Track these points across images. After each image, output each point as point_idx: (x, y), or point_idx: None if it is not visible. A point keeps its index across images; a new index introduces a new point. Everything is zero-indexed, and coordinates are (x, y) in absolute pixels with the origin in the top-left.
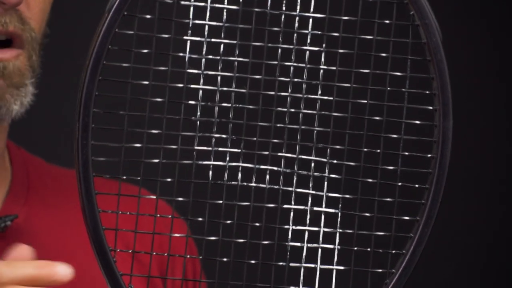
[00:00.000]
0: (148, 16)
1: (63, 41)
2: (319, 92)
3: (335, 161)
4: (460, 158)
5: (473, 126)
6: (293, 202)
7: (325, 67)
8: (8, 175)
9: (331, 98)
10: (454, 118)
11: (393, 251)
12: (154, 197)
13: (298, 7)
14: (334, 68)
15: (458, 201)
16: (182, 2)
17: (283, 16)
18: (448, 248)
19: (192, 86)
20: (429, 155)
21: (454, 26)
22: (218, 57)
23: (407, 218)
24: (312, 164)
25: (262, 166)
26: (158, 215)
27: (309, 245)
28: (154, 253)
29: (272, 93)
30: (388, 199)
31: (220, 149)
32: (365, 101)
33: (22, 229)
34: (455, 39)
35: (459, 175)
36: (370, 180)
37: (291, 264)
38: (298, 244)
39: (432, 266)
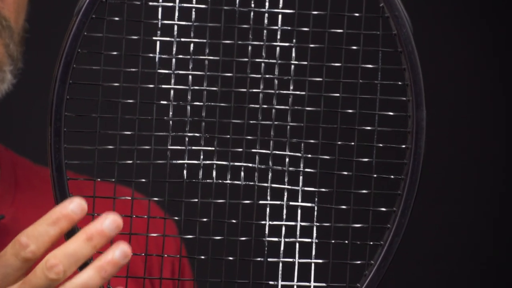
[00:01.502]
0: (117, 18)
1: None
2: (291, 87)
3: (309, 156)
4: (457, 157)
5: (472, 126)
6: (269, 198)
7: (296, 62)
8: None
9: (303, 92)
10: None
11: (371, 243)
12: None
13: (267, 4)
14: (306, 63)
15: (457, 202)
16: (150, 3)
17: (252, 13)
18: (448, 248)
19: (164, 86)
20: (403, 146)
21: (453, 24)
22: (189, 57)
23: (384, 209)
24: (287, 159)
25: (236, 163)
26: (134, 216)
27: (286, 239)
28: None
29: (244, 90)
30: (364, 191)
31: (193, 147)
32: (338, 95)
33: (8, 229)
34: (453, 37)
35: (458, 175)
36: (346, 173)
37: (269, 260)
38: (276, 239)
39: (432, 267)
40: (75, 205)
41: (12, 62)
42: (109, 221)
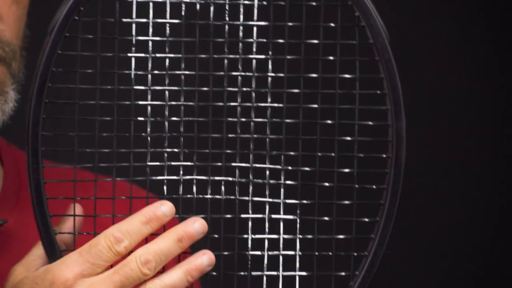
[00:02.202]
0: (91, 36)
1: None
2: (269, 100)
3: (290, 168)
4: (457, 160)
5: (472, 127)
6: (250, 211)
7: (273, 74)
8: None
9: (282, 105)
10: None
11: (355, 254)
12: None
13: (242, 16)
14: (283, 74)
15: (457, 202)
16: (124, 20)
17: (226, 26)
18: (446, 250)
19: (140, 102)
20: (384, 155)
21: (454, 26)
22: (164, 72)
23: (367, 219)
24: (267, 172)
25: (216, 178)
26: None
27: (269, 253)
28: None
29: (221, 104)
30: (347, 202)
31: (173, 163)
32: (316, 106)
33: (12, 233)
34: (451, 41)
35: (457, 175)
36: (327, 184)
37: (253, 273)
38: (259, 252)
39: (431, 267)
40: (166, 208)
41: (14, 80)
42: (198, 225)
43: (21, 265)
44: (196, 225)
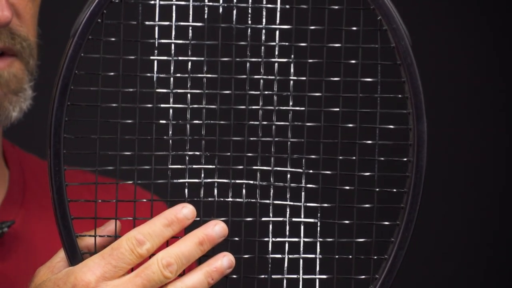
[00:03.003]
0: (113, 39)
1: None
2: (291, 103)
3: (311, 171)
4: (459, 159)
5: (473, 127)
6: (271, 215)
7: (295, 77)
8: (4, 175)
9: (303, 108)
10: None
11: (375, 257)
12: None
13: (264, 20)
14: (304, 78)
15: (456, 201)
16: (147, 23)
17: (249, 30)
18: (448, 248)
19: (162, 105)
20: (405, 159)
21: (455, 25)
22: (187, 75)
23: (387, 223)
24: (288, 175)
25: (237, 181)
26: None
27: (290, 256)
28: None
29: (243, 107)
30: (367, 205)
31: (194, 166)
32: (338, 109)
33: (19, 234)
34: (453, 38)
35: (458, 175)
36: (348, 188)
37: (274, 276)
38: (279, 256)
39: (432, 267)
40: (188, 211)
41: (31, 77)
42: (219, 228)
43: (45, 267)
44: (216, 228)
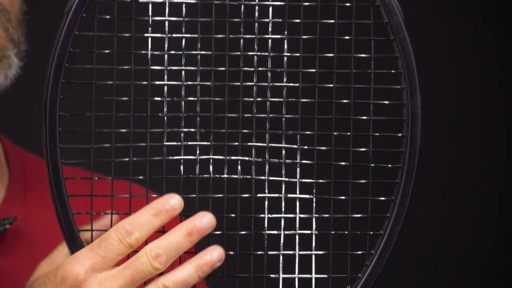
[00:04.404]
0: (108, 16)
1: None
2: (285, 80)
3: (306, 147)
4: (458, 157)
5: (473, 126)
6: (267, 191)
7: (288, 54)
8: (5, 173)
9: (297, 84)
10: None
11: (371, 232)
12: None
13: None
14: (298, 54)
15: (457, 202)
16: (141, 0)
17: (242, 7)
18: (447, 248)
19: (157, 82)
20: (399, 134)
21: (455, 25)
22: (181, 52)
23: (382, 198)
24: (283, 152)
25: (233, 157)
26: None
27: (286, 232)
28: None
29: (238, 83)
30: (362, 181)
31: (189, 143)
32: (332, 85)
33: (20, 231)
34: (453, 35)
35: (458, 174)
36: (343, 163)
37: (270, 253)
38: (275, 232)
39: (431, 267)
40: (175, 201)
41: (14, 45)
42: (207, 220)
43: (45, 261)
44: (204, 220)
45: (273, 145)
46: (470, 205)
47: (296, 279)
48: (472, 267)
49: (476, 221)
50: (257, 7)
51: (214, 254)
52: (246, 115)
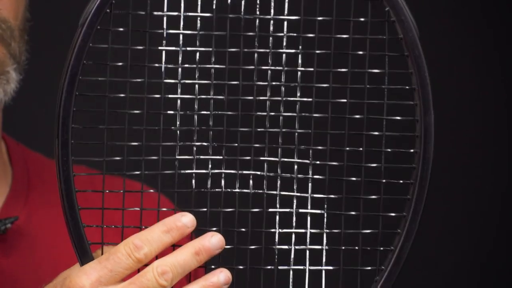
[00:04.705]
0: (122, 29)
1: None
2: (298, 94)
3: (318, 162)
4: (458, 157)
5: (473, 127)
6: (278, 206)
7: (302, 68)
8: (8, 172)
9: (311, 99)
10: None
11: (382, 248)
12: (152, 191)
13: (272, 11)
14: (312, 69)
15: (457, 201)
16: (155, 13)
17: (257, 21)
18: (448, 248)
19: (170, 96)
20: (412, 150)
21: (453, 25)
22: (195, 65)
23: (393, 214)
24: (295, 167)
25: (245, 172)
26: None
27: (296, 247)
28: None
29: (251, 98)
30: (374, 197)
31: (201, 157)
32: (345, 100)
33: (22, 230)
34: (455, 38)
35: (457, 174)
36: (354, 179)
37: (280, 267)
38: (286, 247)
39: (432, 267)
40: (188, 219)
41: (14, 60)
42: (216, 240)
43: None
44: (213, 240)
45: (285, 160)
46: (470, 205)
47: None
48: (472, 267)
49: (476, 221)
50: (272, 21)
51: (221, 277)
52: (258, 130)
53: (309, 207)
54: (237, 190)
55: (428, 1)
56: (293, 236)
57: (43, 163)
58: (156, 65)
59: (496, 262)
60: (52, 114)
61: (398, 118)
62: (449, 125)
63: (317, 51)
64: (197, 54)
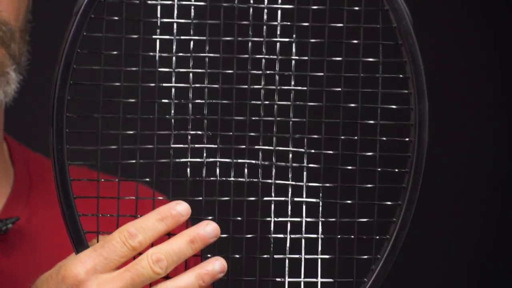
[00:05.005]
0: (116, 18)
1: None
2: (293, 83)
3: (313, 151)
4: (458, 157)
5: (473, 126)
6: (273, 194)
7: (296, 57)
8: (9, 173)
9: (305, 88)
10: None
11: (377, 237)
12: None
13: (266, 0)
14: (306, 58)
15: (457, 201)
16: (149, 2)
17: (251, 9)
18: (448, 248)
19: (165, 84)
20: (407, 139)
21: (454, 22)
22: (189, 54)
23: (389, 203)
24: (290, 155)
25: (240, 160)
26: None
27: (292, 236)
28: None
29: (245, 86)
30: (369, 185)
31: (196, 145)
32: (339, 89)
33: (23, 231)
34: (453, 34)
35: (457, 173)
36: (350, 168)
37: (276, 256)
38: (281, 235)
39: (432, 267)
40: (182, 208)
41: (14, 61)
42: (211, 228)
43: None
44: (208, 228)
45: (280, 148)
46: (471, 205)
47: (302, 283)
48: (472, 267)
49: (476, 221)
50: (265, 10)
51: (216, 265)
52: (253, 118)
53: (304, 195)
54: (232, 179)
55: (428, 1)
56: (289, 224)
57: (44, 163)
58: (150, 53)
59: (496, 262)
60: (44, 110)
61: (393, 106)
62: (449, 124)
63: (311, 40)
64: (191, 43)
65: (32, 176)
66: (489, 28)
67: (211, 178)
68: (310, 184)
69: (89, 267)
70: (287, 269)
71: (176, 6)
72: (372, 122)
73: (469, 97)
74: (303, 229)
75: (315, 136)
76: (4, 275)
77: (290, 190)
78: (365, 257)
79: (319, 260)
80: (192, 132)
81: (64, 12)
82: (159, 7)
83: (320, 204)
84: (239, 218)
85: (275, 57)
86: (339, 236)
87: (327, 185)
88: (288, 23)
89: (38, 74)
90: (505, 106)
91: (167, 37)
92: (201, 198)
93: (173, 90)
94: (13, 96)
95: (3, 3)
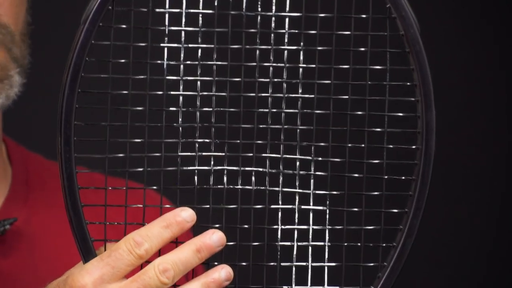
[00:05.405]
0: (124, 26)
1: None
2: (300, 91)
3: (320, 159)
4: (458, 157)
5: (473, 127)
6: (280, 202)
7: (304, 65)
8: (7, 173)
9: (312, 96)
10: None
11: (384, 244)
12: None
13: (274, 7)
14: (314, 65)
15: (457, 201)
16: (157, 10)
17: (259, 17)
18: (448, 248)
19: (172, 92)
20: (414, 147)
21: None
22: (197, 62)
23: (395, 210)
24: (297, 163)
25: (247, 168)
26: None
27: (299, 243)
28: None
29: (253, 94)
30: (376, 193)
31: (204, 153)
32: (347, 97)
33: (21, 232)
34: (455, 35)
35: (457, 173)
36: (357, 175)
37: (283, 264)
38: (288, 243)
39: (432, 267)
40: (187, 214)
41: (17, 64)
42: (216, 237)
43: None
44: (214, 237)
45: (288, 156)
46: (471, 205)
47: None
48: (472, 267)
49: (476, 221)
50: (273, 18)
51: (222, 273)
52: (261, 126)
53: (311, 203)
54: (239, 186)
55: (428, 1)
56: (296, 232)
57: (42, 164)
58: (158, 62)
59: (496, 262)
60: (52, 116)
61: (400, 114)
62: (449, 125)
63: (319, 48)
64: (199, 51)
65: (31, 177)
66: (488, 24)
67: (219, 186)
68: (317, 191)
69: (96, 277)
70: (294, 276)
71: (184, 14)
72: (379, 129)
73: (470, 98)
74: (310, 236)
75: (323, 144)
76: (3, 276)
77: (297, 197)
78: (372, 264)
79: (326, 268)
80: (199, 140)
81: (64, 13)
82: (167, 15)
83: (327, 211)
84: (246, 226)
85: (282, 65)
86: (345, 244)
87: (334, 192)
88: (296, 31)
89: (38, 75)
90: (505, 106)
91: (175, 45)
92: (208, 206)
93: (180, 98)
94: (14, 100)
95: (3, 7)
